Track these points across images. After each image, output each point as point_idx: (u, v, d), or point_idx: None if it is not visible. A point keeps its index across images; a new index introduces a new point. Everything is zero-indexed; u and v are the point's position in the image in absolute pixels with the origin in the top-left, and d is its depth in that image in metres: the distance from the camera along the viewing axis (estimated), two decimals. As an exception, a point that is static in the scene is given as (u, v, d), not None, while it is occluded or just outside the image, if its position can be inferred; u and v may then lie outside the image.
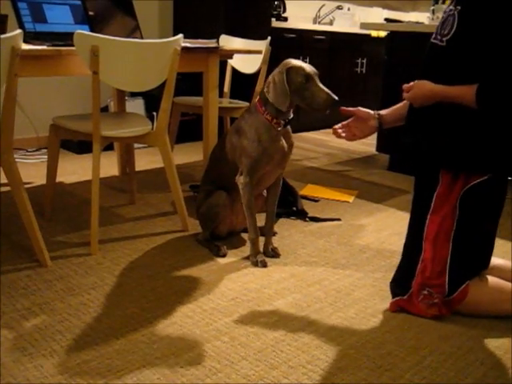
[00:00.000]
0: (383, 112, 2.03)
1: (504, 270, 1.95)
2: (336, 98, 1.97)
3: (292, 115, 2.13)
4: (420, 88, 1.75)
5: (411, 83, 1.79)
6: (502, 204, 1.83)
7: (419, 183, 1.90)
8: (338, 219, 2.79)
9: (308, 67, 2.01)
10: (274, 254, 2.30)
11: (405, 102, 1.94)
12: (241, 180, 2.14)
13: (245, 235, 2.48)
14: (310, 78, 1.98)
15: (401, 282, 1.89)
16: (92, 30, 2.41)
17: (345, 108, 2.04)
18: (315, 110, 2.01)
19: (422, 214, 1.83)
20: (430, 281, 1.80)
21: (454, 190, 1.77)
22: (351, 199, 3.14)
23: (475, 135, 1.72)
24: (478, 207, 1.78)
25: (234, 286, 2.01)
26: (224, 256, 2.25)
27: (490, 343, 1.72)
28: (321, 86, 1.98)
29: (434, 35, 1.79)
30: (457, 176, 1.76)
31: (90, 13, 2.54)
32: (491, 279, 1.85)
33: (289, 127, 2.16)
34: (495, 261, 1.95)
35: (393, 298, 1.91)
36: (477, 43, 1.65)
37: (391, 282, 1.94)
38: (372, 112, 2.03)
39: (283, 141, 2.13)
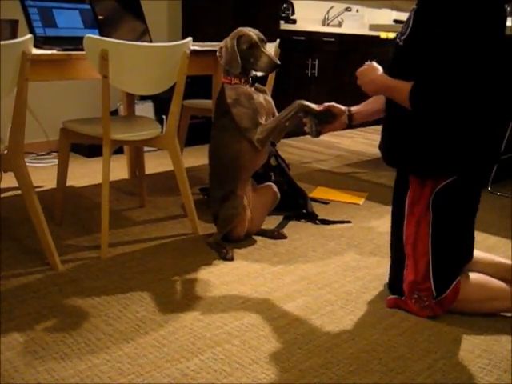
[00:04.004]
0: (354, 109, 2.09)
1: (487, 263, 1.93)
2: (278, 62, 2.17)
3: (256, 76, 2.31)
4: (369, 71, 1.82)
5: (369, 62, 1.84)
6: (477, 199, 1.81)
7: (395, 188, 1.92)
8: (349, 221, 2.78)
9: (255, 35, 2.19)
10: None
11: (374, 97, 2.02)
12: (256, 136, 2.20)
13: (257, 238, 2.48)
14: (256, 44, 2.17)
15: (394, 285, 1.91)
16: (101, 34, 2.42)
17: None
18: (262, 72, 2.24)
19: (400, 219, 1.84)
20: (416, 285, 1.81)
21: (423, 194, 1.77)
22: (361, 201, 3.12)
23: (434, 140, 1.71)
24: (450, 207, 1.77)
25: (244, 289, 2.01)
26: (231, 260, 2.25)
27: (504, 346, 1.70)
28: (265, 51, 2.18)
29: (397, 34, 1.79)
30: (425, 179, 1.76)
31: (100, 17, 2.56)
32: (474, 276, 1.83)
33: (268, 95, 2.34)
34: (478, 255, 1.93)
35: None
36: (426, 43, 1.64)
37: (387, 283, 1.97)
38: (344, 108, 2.10)
39: (261, 97, 2.29)
